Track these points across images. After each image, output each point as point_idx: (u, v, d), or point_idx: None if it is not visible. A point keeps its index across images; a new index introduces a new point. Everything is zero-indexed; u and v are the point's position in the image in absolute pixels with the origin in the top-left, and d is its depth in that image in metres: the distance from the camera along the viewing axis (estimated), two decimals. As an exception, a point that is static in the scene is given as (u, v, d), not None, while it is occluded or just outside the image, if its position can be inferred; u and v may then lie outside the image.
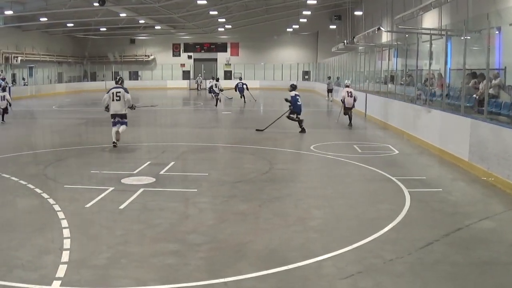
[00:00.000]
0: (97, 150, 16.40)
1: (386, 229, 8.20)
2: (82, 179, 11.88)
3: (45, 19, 47.08)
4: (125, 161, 14.37)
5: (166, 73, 70.43)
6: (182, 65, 71.12)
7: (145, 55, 71.31)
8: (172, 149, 16.52)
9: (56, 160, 14.17)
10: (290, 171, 13.00)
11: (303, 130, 20.51)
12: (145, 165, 13.44)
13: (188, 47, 71.23)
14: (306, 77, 68.01)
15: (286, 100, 21.09)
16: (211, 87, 36.28)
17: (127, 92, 16.83)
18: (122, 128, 16.60)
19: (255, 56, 70.00)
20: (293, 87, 21.31)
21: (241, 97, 39.25)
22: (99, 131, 21.30)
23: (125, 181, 11.55)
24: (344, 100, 23.22)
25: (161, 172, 12.45)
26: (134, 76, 70.83)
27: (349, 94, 22.98)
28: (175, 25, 59.60)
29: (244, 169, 13.15)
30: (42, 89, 51.44)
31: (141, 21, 55.25)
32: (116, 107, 16.66)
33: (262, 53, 69.81)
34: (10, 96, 25.61)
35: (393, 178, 11.93)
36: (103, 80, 66.22)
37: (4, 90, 25.38)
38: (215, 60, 70.87)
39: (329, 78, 44.72)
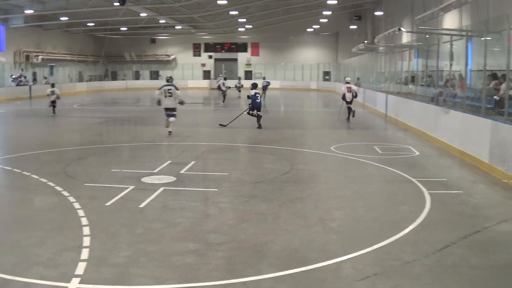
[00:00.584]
0: (118, 148, 16.38)
1: (405, 231, 8.14)
2: (102, 177, 11.84)
3: (66, 18, 47.14)
4: (146, 160, 14.30)
5: (186, 72, 70.37)
6: (203, 65, 70.96)
7: (166, 55, 71.27)
8: (192, 148, 16.42)
9: (76, 159, 14.16)
10: (311, 172, 12.82)
11: (259, 126, 21.57)
12: (166, 164, 13.40)
13: (209, 47, 70.91)
14: (327, 77, 67.41)
15: (248, 97, 22.49)
16: (219, 85, 39.30)
17: (177, 89, 19.50)
18: (172, 119, 19.18)
19: (275, 56, 69.59)
20: (254, 86, 22.83)
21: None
22: (120, 130, 21.56)
23: (145, 180, 11.51)
24: (345, 96, 24.96)
25: (182, 172, 12.37)
26: (155, 75, 70.69)
27: (349, 89, 24.91)
28: (195, 25, 59.43)
29: (265, 169, 13.02)
30: (63, 88, 51.52)
31: (162, 21, 55.00)
32: (168, 102, 19.29)
33: (282, 53, 69.24)
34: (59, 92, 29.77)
35: (414, 180, 11.82)
36: (123, 79, 67.75)
37: (53, 86, 29.91)
38: (236, 60, 70.48)
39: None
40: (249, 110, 22.46)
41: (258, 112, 22.05)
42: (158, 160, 14.00)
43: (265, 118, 25.83)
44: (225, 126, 22.00)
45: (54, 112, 28.96)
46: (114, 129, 22.41)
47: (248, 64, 70.07)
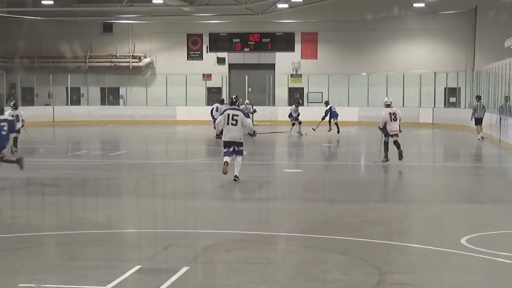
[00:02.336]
0: (38, 241, 11.99)
1: None
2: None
3: None
4: (91, 264, 10.22)
5: (174, 91, 45.62)
6: (207, 76, 46.10)
7: (134, 56, 45.91)
8: (185, 241, 12.07)
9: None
10: None
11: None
12: (130, 272, 9.54)
13: (218, 42, 45.79)
14: (452, 99, 43.86)
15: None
16: (211, 110, 31.45)
17: (247, 117, 17.32)
18: (238, 160, 16.96)
19: (347, 59, 44.58)
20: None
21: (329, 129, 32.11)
22: (40, 204, 16.03)
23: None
24: (386, 127, 20.69)
25: None
26: (113, 96, 46.92)
27: (393, 116, 20.67)
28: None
29: (329, 285, 9.30)
30: None
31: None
32: (233, 133, 16.94)
33: (361, 54, 44.45)
34: None
35: None
36: (47, 104, 45.00)
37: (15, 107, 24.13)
38: (271, 66, 45.61)
39: (479, 98, 32.01)
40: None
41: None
42: (116, 265, 10.09)
43: (330, 182, 19.91)
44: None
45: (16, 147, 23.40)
46: (29, 203, 16.69)
47: (296, 76, 45.99)
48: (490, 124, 30.06)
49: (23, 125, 24.16)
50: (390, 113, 20.56)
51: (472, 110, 30.94)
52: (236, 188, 18.66)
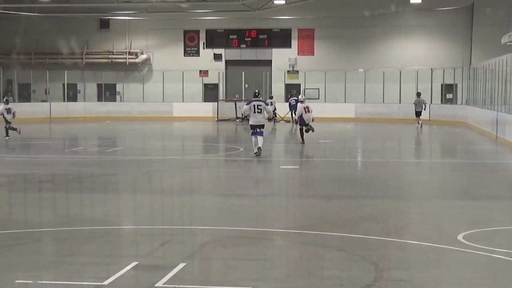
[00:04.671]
0: (34, 237, 11.86)
1: None
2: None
3: None
4: (88, 260, 10.19)
5: (170, 88, 45.76)
6: (203, 73, 46.35)
7: (130, 53, 46.17)
8: (182, 237, 12.04)
9: None
10: (417, 286, 9.23)
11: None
12: (127, 268, 9.52)
13: (215, 38, 45.91)
14: (449, 96, 43.94)
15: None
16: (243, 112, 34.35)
17: (267, 105, 22.50)
18: (261, 138, 21.14)
19: (344, 55, 44.55)
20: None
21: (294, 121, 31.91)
22: (37, 200, 16.01)
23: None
24: (302, 117, 25.37)
25: (159, 284, 8.82)
26: (110, 92, 47.65)
27: (306, 110, 25.49)
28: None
29: (325, 281, 9.33)
30: None
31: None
32: (258, 119, 21.30)
33: (358, 51, 44.36)
34: None
35: None
36: (45, 101, 45.35)
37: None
38: (268, 63, 45.68)
39: (419, 95, 35.85)
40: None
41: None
42: (113, 261, 10.13)
43: (328, 179, 19.67)
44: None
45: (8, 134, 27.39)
46: (26, 199, 16.55)
47: (293, 72, 45.96)
48: (487, 121, 30.06)
49: (14, 116, 27.65)
50: (304, 107, 25.41)
51: (414, 104, 36.03)
52: (233, 184, 18.86)
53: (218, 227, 12.78)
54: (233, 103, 41.63)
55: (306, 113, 25.70)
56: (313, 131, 26.28)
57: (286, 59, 44.70)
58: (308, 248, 11.42)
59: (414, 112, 36.11)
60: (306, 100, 27.66)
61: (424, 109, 36.11)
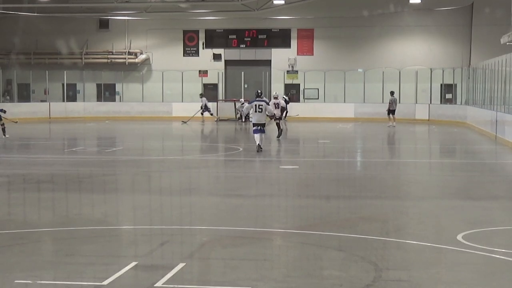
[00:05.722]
0: (33, 237, 11.78)
1: None
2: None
3: None
4: (87, 260, 10.15)
5: (170, 88, 46.19)
6: (203, 73, 46.08)
7: (130, 53, 46.20)
8: (181, 237, 11.95)
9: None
10: (416, 286, 9.13)
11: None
12: (127, 269, 9.50)
13: (214, 38, 45.91)
14: (449, 96, 43.65)
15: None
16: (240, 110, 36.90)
17: (268, 104, 23.69)
18: (262, 136, 22.33)
19: (344, 55, 44.71)
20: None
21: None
22: (36, 200, 15.79)
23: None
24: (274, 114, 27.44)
25: (158, 284, 8.80)
26: (109, 92, 47.56)
27: (276, 106, 28.13)
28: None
29: (325, 281, 9.30)
30: None
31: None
32: (260, 118, 22.52)
33: (357, 51, 44.47)
34: None
35: None
36: (43, 101, 45.24)
37: None
38: (268, 63, 45.53)
39: (392, 93, 36.63)
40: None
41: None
42: (112, 261, 10.08)
43: (328, 179, 19.63)
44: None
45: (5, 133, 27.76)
46: (25, 199, 16.34)
47: (293, 72, 45.74)
48: (486, 121, 29.81)
49: (5, 112, 27.87)
50: (274, 103, 27.84)
51: (388, 103, 36.64)
52: (232, 184, 18.77)
53: (217, 227, 12.70)
54: (233, 103, 41.57)
55: (275, 108, 27.80)
56: (279, 128, 27.86)
57: (286, 59, 44.67)
58: (308, 248, 11.31)
59: (387, 110, 36.32)
60: (288, 100, 30.99)
61: (395, 108, 36.84)
